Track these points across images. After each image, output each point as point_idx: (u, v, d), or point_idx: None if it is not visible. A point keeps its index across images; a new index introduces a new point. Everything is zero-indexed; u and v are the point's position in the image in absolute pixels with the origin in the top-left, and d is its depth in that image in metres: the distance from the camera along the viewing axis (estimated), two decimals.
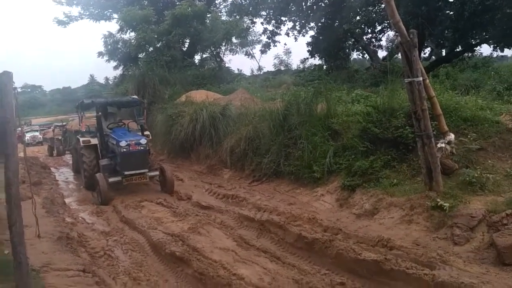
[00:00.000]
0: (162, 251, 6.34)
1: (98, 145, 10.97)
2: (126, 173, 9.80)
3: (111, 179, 9.82)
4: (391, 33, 24.95)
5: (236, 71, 33.01)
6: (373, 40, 25.05)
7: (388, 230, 5.76)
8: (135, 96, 12.92)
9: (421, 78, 6.05)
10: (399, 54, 6.77)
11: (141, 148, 9.96)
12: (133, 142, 9.86)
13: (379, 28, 24.13)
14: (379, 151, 7.53)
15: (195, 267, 5.58)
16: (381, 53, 26.40)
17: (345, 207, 7.11)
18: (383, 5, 21.39)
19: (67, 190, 11.91)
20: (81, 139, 11.14)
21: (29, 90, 79.41)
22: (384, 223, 6.03)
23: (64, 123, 25.33)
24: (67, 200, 10.26)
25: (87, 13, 30.81)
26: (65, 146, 22.40)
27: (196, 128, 12.47)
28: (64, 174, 14.96)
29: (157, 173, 10.42)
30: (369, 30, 24.53)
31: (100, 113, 11.02)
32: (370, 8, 23.06)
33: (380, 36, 25.00)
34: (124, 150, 9.74)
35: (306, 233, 6.14)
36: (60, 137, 23.56)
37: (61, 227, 7.06)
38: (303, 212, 6.96)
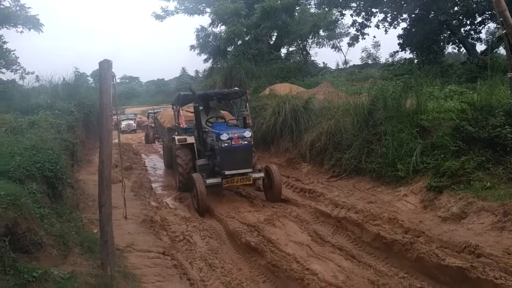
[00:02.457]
0: (238, 240, 6.46)
1: (194, 144, 9.85)
2: (227, 173, 8.48)
3: (208, 181, 8.45)
4: (492, 25, 23.07)
5: (321, 65, 32.65)
6: (472, 32, 23.18)
7: (477, 236, 5.30)
8: (236, 88, 11.68)
9: None
10: (500, 48, 6.19)
11: (245, 142, 8.57)
12: (235, 135, 8.52)
13: (479, 19, 22.30)
14: (472, 152, 6.98)
15: (269, 259, 5.61)
16: (479, 47, 24.38)
17: (430, 209, 6.67)
18: None
19: (154, 175, 12.67)
20: (176, 138, 10.03)
21: (127, 81, 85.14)
22: (473, 229, 5.56)
23: (155, 111, 26.66)
24: (153, 185, 10.87)
25: (182, 8, 32.36)
26: (155, 133, 23.66)
27: (278, 121, 12.48)
28: (152, 161, 15.92)
29: (262, 174, 8.90)
30: (468, 22, 22.79)
31: (199, 106, 9.91)
32: None
33: (480, 28, 23.07)
34: (225, 145, 8.44)
35: (385, 233, 5.89)
36: (152, 125, 24.93)
37: (146, 210, 7.51)
38: (383, 212, 6.68)
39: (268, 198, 8.78)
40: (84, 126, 12.69)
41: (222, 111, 11.89)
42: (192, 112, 10.35)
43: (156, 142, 22.90)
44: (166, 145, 13.32)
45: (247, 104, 10.43)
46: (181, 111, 10.60)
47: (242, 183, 8.75)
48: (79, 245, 5.06)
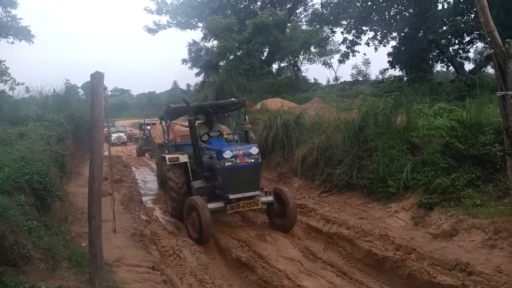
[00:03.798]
0: (228, 255, 6.40)
1: (188, 163, 8.57)
2: (232, 196, 7.24)
3: (210, 205, 7.19)
4: (480, 45, 23.53)
5: (312, 80, 32.81)
6: (460, 51, 23.67)
7: (468, 253, 5.31)
8: (233, 99, 10.29)
9: None
10: (488, 67, 6.30)
11: (252, 160, 7.42)
12: (240, 152, 7.34)
13: (467, 39, 22.80)
14: (462, 169, 7.04)
15: (260, 274, 5.58)
16: (468, 66, 24.83)
17: (421, 226, 6.68)
18: (473, 15, 20.54)
19: (144, 189, 12.56)
20: (167, 157, 8.66)
21: (118, 93, 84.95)
22: (464, 246, 5.58)
23: (145, 121, 26.37)
24: (143, 199, 10.76)
25: (175, 22, 32.70)
26: (142, 146, 23.38)
27: (269, 136, 12.48)
28: (143, 174, 15.80)
29: (271, 198, 7.72)
30: (456, 41, 23.27)
31: (194, 120, 8.56)
32: (459, 18, 21.87)
33: (468, 47, 23.58)
34: (229, 163, 7.26)
35: (377, 249, 5.90)
36: (143, 136, 24.66)
37: (136, 223, 7.41)
38: (375, 228, 6.67)
39: (276, 226, 7.65)
40: (74, 138, 12.57)
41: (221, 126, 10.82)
42: (186, 126, 9.48)
43: (147, 154, 22.69)
44: (158, 162, 12.24)
45: (246, 116, 9.47)
46: (171, 126, 9.74)
47: (249, 208, 7.52)
48: (67, 259, 4.97)
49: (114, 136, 34.19)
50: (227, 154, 7.29)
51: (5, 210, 4.12)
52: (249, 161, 7.40)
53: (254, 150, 7.50)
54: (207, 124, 9.50)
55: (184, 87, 67.23)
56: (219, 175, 7.54)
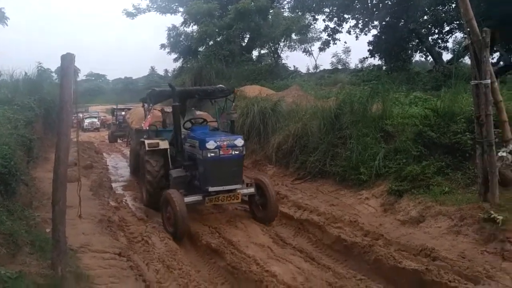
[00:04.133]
0: (198, 242, 6.36)
1: (168, 149, 8.27)
2: (211, 189, 6.92)
3: (187, 199, 6.83)
4: (459, 35, 23.78)
5: (292, 68, 32.87)
6: (439, 41, 23.92)
7: (433, 239, 5.38)
8: (221, 85, 9.66)
9: (489, 81, 5.62)
10: (466, 58, 6.36)
11: (236, 152, 7.07)
12: (224, 143, 6.98)
13: (447, 28, 23.02)
14: (433, 157, 7.11)
15: (229, 260, 5.56)
16: (446, 56, 25.14)
17: (390, 212, 6.75)
18: (453, 5, 20.72)
19: (115, 175, 12.38)
20: (146, 142, 8.26)
21: (93, 78, 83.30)
22: (430, 232, 5.64)
23: (118, 107, 25.91)
24: (114, 185, 10.61)
25: (155, 6, 32.08)
26: (114, 131, 23.01)
27: (246, 123, 12.40)
28: (114, 160, 15.59)
29: (252, 190, 7.45)
30: (436, 31, 23.49)
31: (178, 105, 7.97)
32: (440, 8, 22.04)
33: (447, 37, 23.85)
34: (212, 154, 6.89)
35: (346, 236, 5.95)
36: (115, 122, 24.25)
37: (104, 210, 7.30)
38: (345, 214, 6.71)
39: (259, 218, 7.38)
40: (44, 122, 12.28)
41: (199, 112, 10.60)
42: (165, 112, 9.27)
43: (119, 140, 22.35)
44: (133, 148, 11.62)
45: (234, 104, 9.00)
46: (151, 110, 9.31)
47: (228, 202, 7.26)
48: (29, 244, 4.87)
49: (86, 121, 33.70)
50: (211, 144, 6.90)
51: None
52: (233, 153, 7.02)
53: (239, 141, 7.12)
54: (187, 110, 9.16)
55: (161, 72, 66.55)
56: (200, 166, 7.16)
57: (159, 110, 10.31)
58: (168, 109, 9.70)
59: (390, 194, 7.07)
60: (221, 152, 6.94)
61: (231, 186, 7.05)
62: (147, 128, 9.06)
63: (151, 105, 9.20)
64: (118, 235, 6.26)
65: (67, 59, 4.38)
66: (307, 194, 8.36)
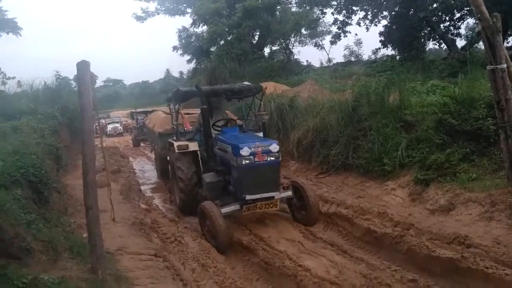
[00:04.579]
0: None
1: (198, 152, 8.00)
2: (249, 197, 6.54)
3: (224, 210, 6.56)
4: (471, 21, 23.50)
5: (305, 63, 32.76)
6: (451, 28, 23.65)
7: (466, 227, 5.38)
8: (248, 83, 9.15)
9: (505, 65, 5.56)
10: (480, 43, 6.30)
11: (272, 159, 6.66)
12: (259, 150, 6.58)
13: (458, 15, 22.82)
14: (456, 144, 7.07)
15: (261, 256, 5.62)
16: (460, 43, 24.83)
17: (418, 202, 6.76)
18: None
19: (142, 178, 12.55)
20: (175, 144, 8.04)
21: (111, 84, 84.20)
22: (461, 220, 5.64)
23: (137, 110, 26.06)
24: (142, 188, 10.77)
25: (163, 8, 32.26)
26: (137, 135, 23.24)
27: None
28: (140, 163, 15.78)
29: (289, 193, 7.15)
30: (447, 18, 23.27)
31: (207, 107, 7.66)
32: None
33: (459, 24, 23.60)
34: (247, 162, 6.53)
35: (375, 227, 5.97)
36: (136, 125, 24.46)
37: (136, 212, 7.43)
38: (373, 206, 6.73)
39: (299, 221, 7.06)
40: (68, 130, 12.48)
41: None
42: (188, 114, 9.01)
43: (142, 144, 22.58)
44: (158, 153, 11.36)
45: (262, 103, 8.64)
46: (180, 111, 8.88)
47: (266, 209, 6.88)
48: (68, 249, 4.98)
49: (109, 127, 33.96)
50: (245, 151, 6.51)
51: (1, 204, 4.11)
52: (268, 159, 6.63)
53: (275, 147, 6.72)
54: (216, 110, 8.70)
55: (177, 75, 66.85)
56: (234, 173, 6.82)
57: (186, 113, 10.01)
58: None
59: (416, 183, 7.07)
60: (256, 159, 6.57)
61: (268, 194, 6.67)
62: (189, 128, 8.84)
63: (178, 105, 8.93)
64: (151, 237, 6.38)
65: (83, 67, 4.43)
66: (332, 187, 8.40)
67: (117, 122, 36.18)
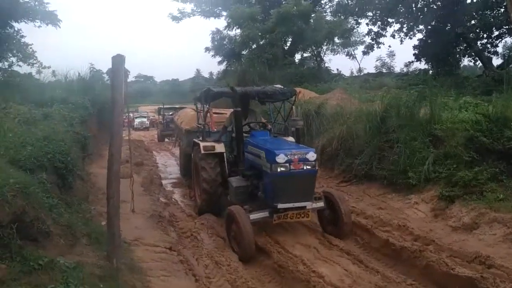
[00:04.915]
0: None
1: (225, 154, 7.77)
2: (281, 206, 6.17)
3: (253, 216, 6.21)
4: (509, 40, 22.91)
5: (335, 71, 32.53)
6: (489, 45, 23.16)
7: (488, 247, 5.21)
8: (281, 86, 8.87)
9: None
10: None
11: (308, 167, 6.25)
12: (296, 157, 6.16)
13: (496, 33, 22.25)
14: (485, 163, 6.89)
15: (275, 259, 5.59)
16: (496, 61, 24.22)
17: (441, 218, 6.59)
18: (502, 9, 19.97)
19: (164, 172, 12.72)
20: (201, 144, 7.80)
21: (142, 80, 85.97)
22: (484, 240, 5.47)
23: (164, 106, 26.33)
24: (163, 182, 10.89)
25: (199, 10, 32.71)
26: (162, 131, 23.53)
27: None
28: (163, 158, 15.98)
29: (322, 204, 6.71)
30: (485, 35, 22.73)
31: (241, 110, 7.30)
32: (488, 12, 21.35)
33: (497, 42, 23.01)
34: (282, 169, 6.10)
35: (394, 240, 5.85)
36: (161, 121, 24.79)
37: (155, 205, 7.53)
38: (393, 218, 6.61)
39: (330, 233, 6.66)
40: (97, 121, 12.79)
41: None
42: (215, 114, 8.71)
43: (166, 139, 22.84)
44: (183, 150, 11.11)
45: (294, 108, 8.28)
46: (211, 111, 8.52)
47: (297, 219, 6.47)
48: (86, 236, 5.05)
49: (137, 121, 34.64)
50: (281, 158, 6.09)
51: (26, 187, 4.19)
52: (304, 167, 6.22)
53: (312, 155, 6.29)
54: (249, 112, 8.44)
55: (206, 75, 67.56)
56: (267, 180, 6.42)
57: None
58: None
59: (440, 199, 6.90)
60: (292, 167, 6.15)
61: (301, 204, 6.29)
62: (215, 129, 8.45)
63: (207, 105, 8.62)
64: (168, 230, 6.45)
65: (118, 61, 4.51)
66: (353, 197, 8.31)
67: (145, 117, 36.82)
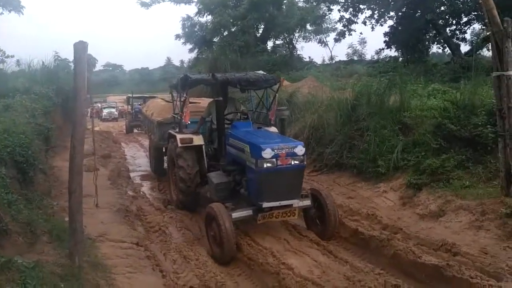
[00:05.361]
0: None
1: (203, 147, 7.26)
2: (266, 205, 5.72)
3: (235, 214, 5.81)
4: (477, 26, 23.29)
5: (307, 59, 32.59)
6: (457, 32, 23.41)
7: (454, 234, 5.31)
8: (264, 73, 8.31)
9: (511, 72, 5.45)
10: (484, 50, 6.18)
11: (296, 162, 5.80)
12: (283, 152, 5.70)
13: (465, 19, 22.54)
14: (452, 150, 6.99)
15: (245, 252, 5.54)
16: (464, 48, 24.63)
17: (408, 206, 6.68)
18: None
19: (133, 164, 12.43)
20: (178, 136, 7.29)
21: (110, 68, 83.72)
22: (450, 227, 5.57)
23: (133, 95, 25.55)
24: (131, 174, 10.66)
25: None
26: (131, 121, 22.97)
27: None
28: (132, 150, 15.66)
29: (308, 203, 6.30)
30: (454, 22, 23.01)
31: (221, 99, 6.75)
32: None
33: (465, 28, 23.33)
34: (268, 165, 5.64)
35: (363, 229, 5.90)
36: (130, 111, 24.12)
37: (122, 199, 7.35)
38: (362, 207, 6.66)
39: (315, 232, 6.30)
40: (62, 112, 12.38)
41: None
42: (191, 103, 7.99)
43: (136, 131, 22.33)
44: (155, 144, 10.19)
45: (277, 96, 7.94)
46: (187, 101, 7.65)
47: (283, 218, 6.12)
48: (47, 233, 4.91)
49: (105, 111, 33.81)
50: (267, 153, 5.62)
51: None
52: (292, 163, 5.76)
53: (300, 150, 5.84)
54: (229, 101, 7.93)
55: (177, 63, 66.59)
56: (251, 176, 5.95)
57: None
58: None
59: (408, 187, 6.99)
60: (279, 163, 5.69)
61: (288, 201, 5.89)
62: (189, 122, 7.65)
63: (185, 94, 7.74)
64: (135, 225, 6.31)
65: (80, 48, 4.31)
66: (323, 186, 8.27)
67: (113, 107, 35.93)
